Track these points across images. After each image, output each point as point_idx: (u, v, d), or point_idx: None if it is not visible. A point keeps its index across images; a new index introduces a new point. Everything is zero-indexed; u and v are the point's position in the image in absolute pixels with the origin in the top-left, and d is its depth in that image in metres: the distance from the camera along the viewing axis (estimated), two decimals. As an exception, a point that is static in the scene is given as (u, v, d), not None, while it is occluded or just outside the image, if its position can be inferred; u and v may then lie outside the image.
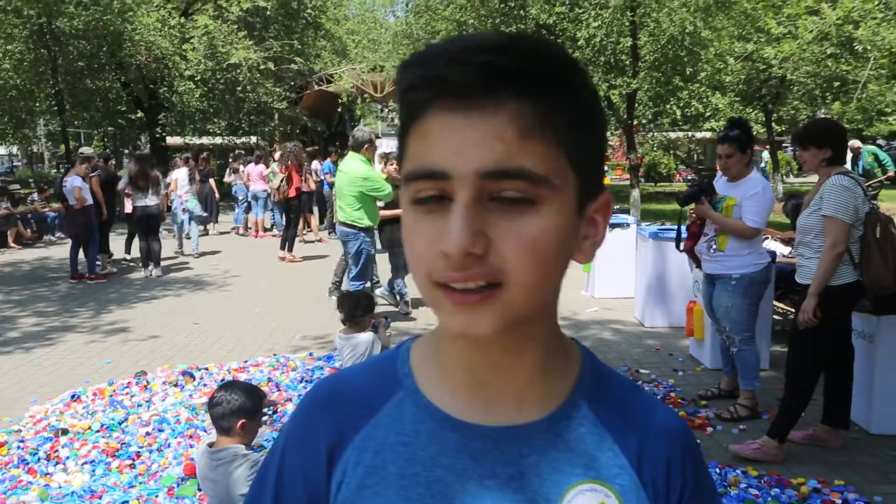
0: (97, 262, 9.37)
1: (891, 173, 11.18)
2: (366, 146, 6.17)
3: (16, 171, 33.24)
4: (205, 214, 12.79)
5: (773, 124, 18.81)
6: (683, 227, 4.58)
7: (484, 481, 0.65)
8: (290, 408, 4.31)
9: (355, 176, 6.05)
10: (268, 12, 19.77)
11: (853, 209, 3.44)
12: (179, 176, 11.15)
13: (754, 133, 4.75)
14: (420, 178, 0.59)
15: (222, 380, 4.92)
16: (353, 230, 6.13)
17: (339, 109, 21.95)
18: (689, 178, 29.51)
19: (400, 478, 0.67)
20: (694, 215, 4.43)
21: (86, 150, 11.36)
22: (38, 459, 3.68)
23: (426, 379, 0.71)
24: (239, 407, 2.53)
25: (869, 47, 9.74)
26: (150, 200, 9.23)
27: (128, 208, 9.96)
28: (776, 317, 5.80)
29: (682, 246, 4.59)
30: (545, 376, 0.69)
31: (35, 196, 14.00)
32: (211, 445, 2.55)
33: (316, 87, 22.13)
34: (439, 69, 0.57)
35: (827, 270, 3.46)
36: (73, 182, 8.82)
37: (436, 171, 0.58)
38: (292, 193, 10.50)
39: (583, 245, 0.65)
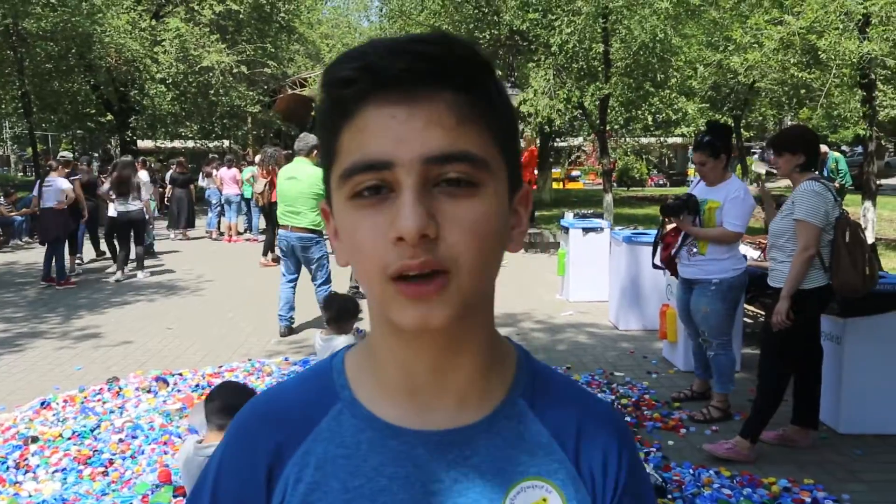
0: (68, 264, 9.30)
1: (837, 184, 11.47)
2: (315, 151, 6.19)
3: (-20, 175, 32.52)
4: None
5: (741, 130, 19.15)
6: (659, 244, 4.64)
7: (429, 486, 0.66)
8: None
9: (315, 180, 6.02)
10: (240, 15, 19.64)
11: (823, 213, 3.53)
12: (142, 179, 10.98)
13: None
14: (360, 171, 0.60)
15: (196, 385, 4.87)
16: (315, 235, 6.11)
17: (313, 113, 21.85)
18: (662, 182, 29.93)
19: (343, 491, 0.66)
20: (670, 226, 4.51)
21: (65, 154, 11.37)
22: (7, 468, 3.60)
23: (363, 388, 0.70)
24: (235, 406, 2.53)
25: (832, 56, 9.98)
26: (133, 206, 9.24)
27: (111, 212, 9.93)
28: (747, 319, 5.91)
29: (656, 261, 4.67)
30: (485, 375, 0.69)
31: (1, 199, 13.70)
32: (200, 442, 2.54)
33: (289, 91, 22.02)
34: (377, 61, 0.59)
35: (799, 273, 3.54)
36: (60, 184, 8.85)
37: (378, 162, 0.59)
38: (274, 198, 10.43)
39: (512, 234, 0.67)
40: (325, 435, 0.69)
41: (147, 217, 10.33)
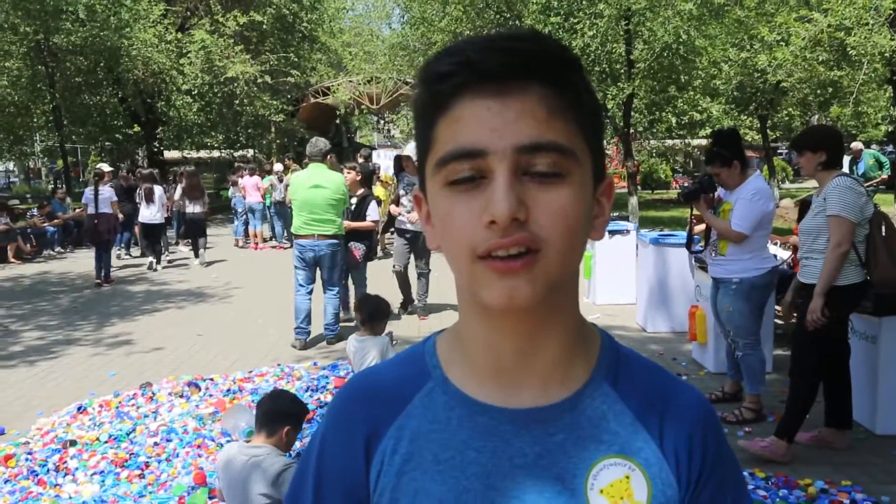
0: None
1: (884, 176, 11.31)
2: (329, 155, 6.23)
3: (13, 187, 33.22)
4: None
5: (767, 130, 18.93)
6: (692, 230, 4.69)
7: (514, 461, 0.69)
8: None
9: (339, 185, 6.06)
10: (264, 26, 19.92)
11: (858, 209, 3.49)
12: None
13: (749, 139, 4.82)
14: (455, 158, 0.63)
15: (228, 390, 4.94)
16: (338, 241, 6.14)
17: (337, 121, 22.03)
18: (685, 185, 29.66)
19: (435, 463, 0.70)
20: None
21: (104, 166, 12.99)
22: (48, 471, 3.69)
23: (454, 368, 0.74)
24: (289, 413, 2.67)
25: (863, 53, 9.84)
26: (198, 208, 11.39)
27: (142, 217, 11.24)
28: (777, 321, 5.83)
29: (692, 248, 4.70)
30: (568, 358, 0.72)
31: (34, 211, 14.00)
32: (248, 441, 2.60)
33: (312, 100, 22.21)
34: (474, 56, 0.63)
35: (833, 270, 3.50)
36: (109, 193, 10.44)
37: (473, 150, 0.62)
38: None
39: (595, 223, 0.70)
40: (418, 411, 0.73)
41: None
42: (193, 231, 11.65)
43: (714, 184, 4.38)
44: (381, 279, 7.35)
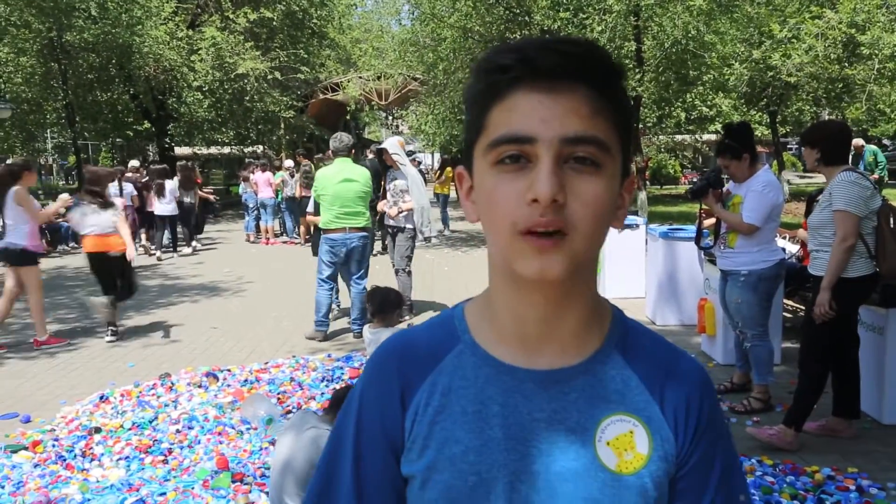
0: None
1: (875, 176, 11.31)
2: (353, 149, 6.35)
3: (25, 184, 33.48)
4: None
5: (777, 126, 18.89)
6: (701, 225, 4.75)
7: (533, 415, 0.79)
8: (314, 405, 4.42)
9: (368, 179, 6.21)
10: (274, 23, 19.98)
11: (863, 202, 3.55)
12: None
13: (758, 135, 4.87)
14: (506, 142, 0.72)
15: (245, 380, 5.04)
16: (367, 233, 6.29)
17: (347, 117, 22.11)
18: (694, 180, 29.60)
19: (463, 414, 0.80)
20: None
21: (135, 162, 14.93)
22: (75, 456, 3.80)
23: (481, 333, 0.83)
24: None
25: (876, 52, 9.85)
26: (188, 199, 12.46)
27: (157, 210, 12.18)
28: (786, 314, 5.89)
29: (701, 242, 4.77)
30: (585, 327, 0.82)
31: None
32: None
33: (322, 96, 22.33)
34: (532, 54, 0.72)
35: (839, 264, 3.56)
36: (131, 190, 12.13)
37: (523, 136, 0.71)
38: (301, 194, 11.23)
39: (618, 213, 0.78)
40: (448, 369, 0.83)
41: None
42: (185, 218, 12.56)
43: (722, 179, 4.44)
44: (378, 276, 7.45)
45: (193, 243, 12.82)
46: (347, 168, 6.16)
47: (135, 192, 12.17)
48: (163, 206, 11.86)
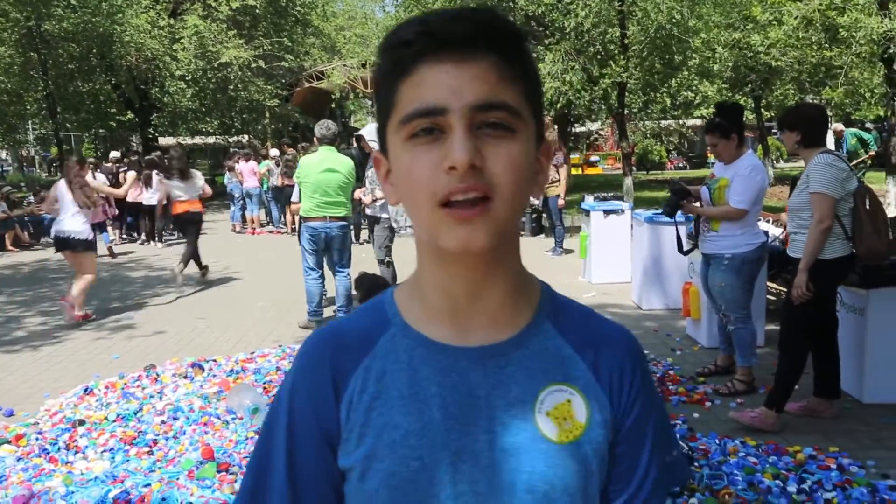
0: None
1: (872, 152, 11.40)
2: (338, 138, 6.32)
3: (6, 175, 33.11)
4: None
5: (762, 110, 18.96)
6: (682, 231, 4.78)
7: (473, 391, 0.78)
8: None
9: (351, 169, 6.15)
10: (257, 10, 19.81)
11: (838, 184, 3.57)
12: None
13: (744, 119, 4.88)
14: (418, 115, 0.71)
15: (231, 370, 5.03)
16: (348, 223, 6.27)
17: (332, 105, 21.98)
18: (682, 165, 29.72)
19: (400, 398, 0.78)
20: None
21: (115, 154, 15.21)
22: (59, 449, 3.78)
23: (412, 314, 0.82)
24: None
25: (853, 35, 9.89)
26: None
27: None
28: (769, 297, 5.94)
29: (684, 248, 4.80)
30: (514, 299, 0.81)
31: (31, 199, 14.01)
32: None
33: (306, 84, 22.16)
34: (435, 25, 0.71)
35: (816, 245, 3.59)
36: (103, 179, 11.93)
37: (434, 108, 0.70)
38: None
39: (537, 178, 0.78)
40: (381, 353, 0.81)
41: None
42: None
43: (685, 189, 4.50)
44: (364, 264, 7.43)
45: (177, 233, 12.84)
46: (331, 157, 6.11)
47: (107, 183, 11.89)
48: (151, 196, 11.73)
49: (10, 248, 12.45)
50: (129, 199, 11.75)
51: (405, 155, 0.73)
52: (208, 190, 8.76)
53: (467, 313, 0.80)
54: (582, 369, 0.81)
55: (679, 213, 4.66)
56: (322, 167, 6.05)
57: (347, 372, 0.81)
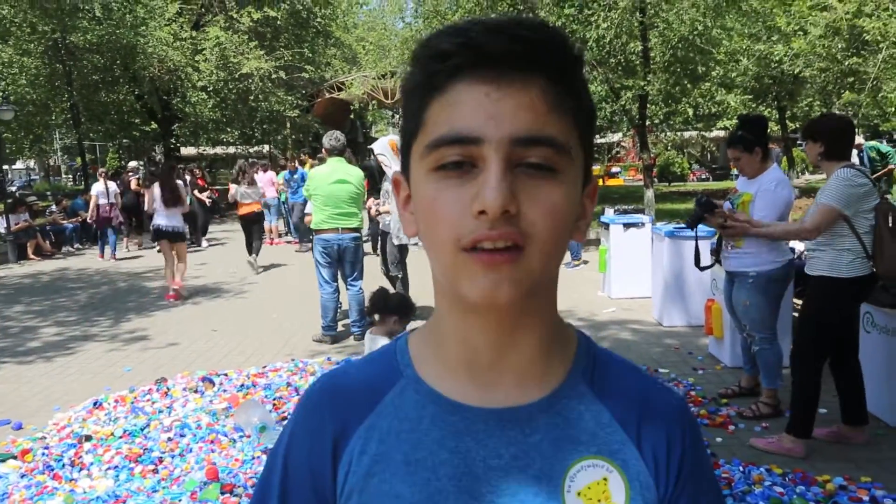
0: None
1: (892, 166, 11.11)
2: (347, 150, 6.28)
3: (33, 185, 33.65)
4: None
5: (787, 121, 18.67)
6: (703, 246, 4.62)
7: (488, 462, 0.66)
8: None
9: (361, 180, 6.12)
10: (278, 22, 19.95)
11: (846, 198, 3.43)
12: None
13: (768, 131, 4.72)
14: (448, 143, 0.60)
15: (241, 385, 4.96)
16: (360, 234, 6.21)
17: (352, 116, 22.05)
18: (704, 177, 29.38)
19: (405, 464, 0.68)
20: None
21: (133, 164, 15.97)
22: (63, 466, 3.72)
23: (426, 366, 0.72)
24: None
25: (880, 38, 9.66)
26: None
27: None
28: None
29: (701, 263, 4.61)
30: (545, 356, 0.70)
31: (53, 208, 14.16)
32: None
33: (327, 95, 22.26)
34: (477, 38, 0.59)
35: (784, 234, 3.66)
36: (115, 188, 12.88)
37: (467, 137, 0.59)
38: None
39: (578, 224, 0.68)
40: (388, 410, 0.71)
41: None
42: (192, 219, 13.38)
43: (711, 202, 4.26)
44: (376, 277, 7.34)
45: (203, 243, 13.48)
46: (341, 168, 6.07)
47: (118, 191, 12.53)
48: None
49: (32, 256, 12.56)
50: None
51: (429, 187, 0.62)
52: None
53: (490, 369, 0.69)
54: (622, 440, 0.69)
55: (700, 226, 4.50)
56: (332, 178, 6.01)
57: (348, 430, 0.71)
